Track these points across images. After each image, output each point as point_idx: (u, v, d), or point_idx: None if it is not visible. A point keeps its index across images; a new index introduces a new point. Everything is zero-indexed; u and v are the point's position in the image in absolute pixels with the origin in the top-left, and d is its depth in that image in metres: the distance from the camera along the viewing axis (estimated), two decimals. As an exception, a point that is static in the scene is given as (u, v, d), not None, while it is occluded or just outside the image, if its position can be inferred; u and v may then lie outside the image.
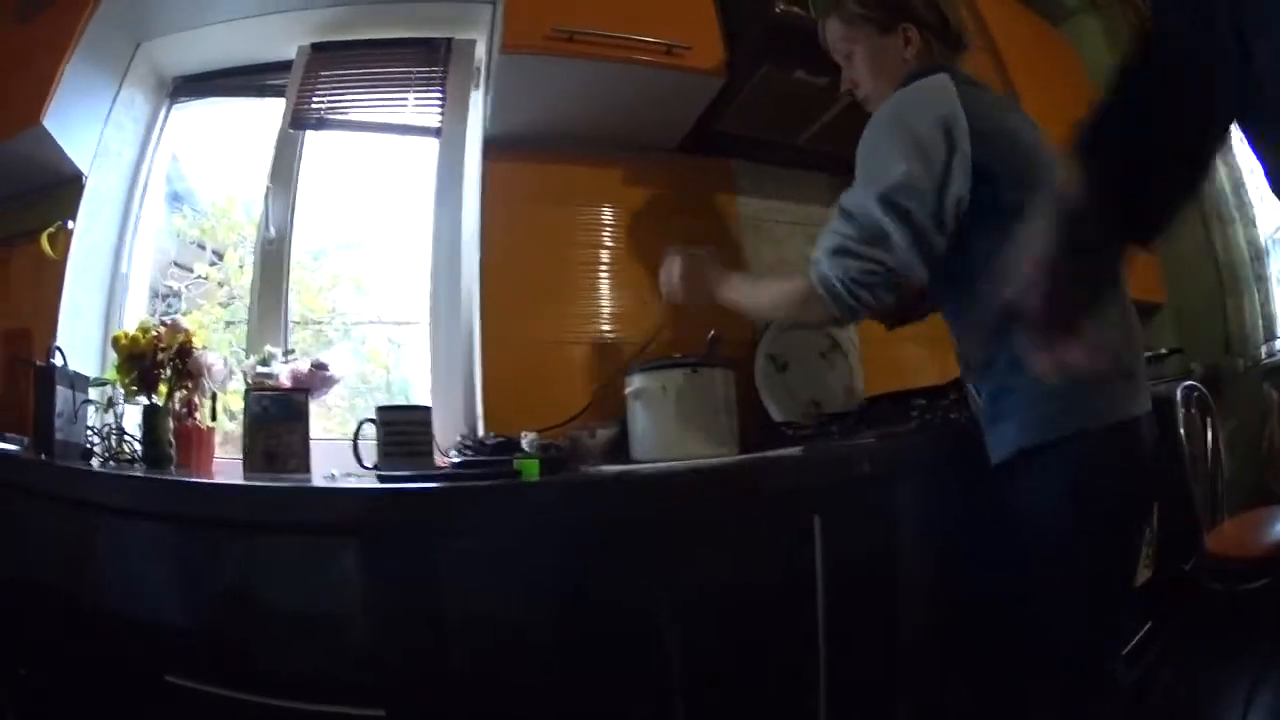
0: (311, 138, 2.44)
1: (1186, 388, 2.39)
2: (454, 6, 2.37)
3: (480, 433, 1.90)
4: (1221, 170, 3.13)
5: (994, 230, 1.22)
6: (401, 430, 1.50)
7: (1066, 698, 1.28)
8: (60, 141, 2.17)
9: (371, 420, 1.53)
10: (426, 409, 1.54)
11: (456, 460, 1.55)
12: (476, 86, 2.37)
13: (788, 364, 2.19)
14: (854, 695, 1.29)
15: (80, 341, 2.19)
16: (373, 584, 1.17)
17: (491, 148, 2.14)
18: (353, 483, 1.39)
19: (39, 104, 2.09)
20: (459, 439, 1.81)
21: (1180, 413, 2.32)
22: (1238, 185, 3.13)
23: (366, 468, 1.50)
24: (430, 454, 1.50)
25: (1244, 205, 3.11)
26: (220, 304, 2.62)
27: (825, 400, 2.19)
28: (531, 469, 1.34)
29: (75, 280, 2.21)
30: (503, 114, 2.07)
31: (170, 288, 2.65)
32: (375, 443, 1.53)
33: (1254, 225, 3.10)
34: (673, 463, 1.58)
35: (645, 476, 1.32)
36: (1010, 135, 1.32)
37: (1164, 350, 2.93)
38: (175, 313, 2.60)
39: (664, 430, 1.72)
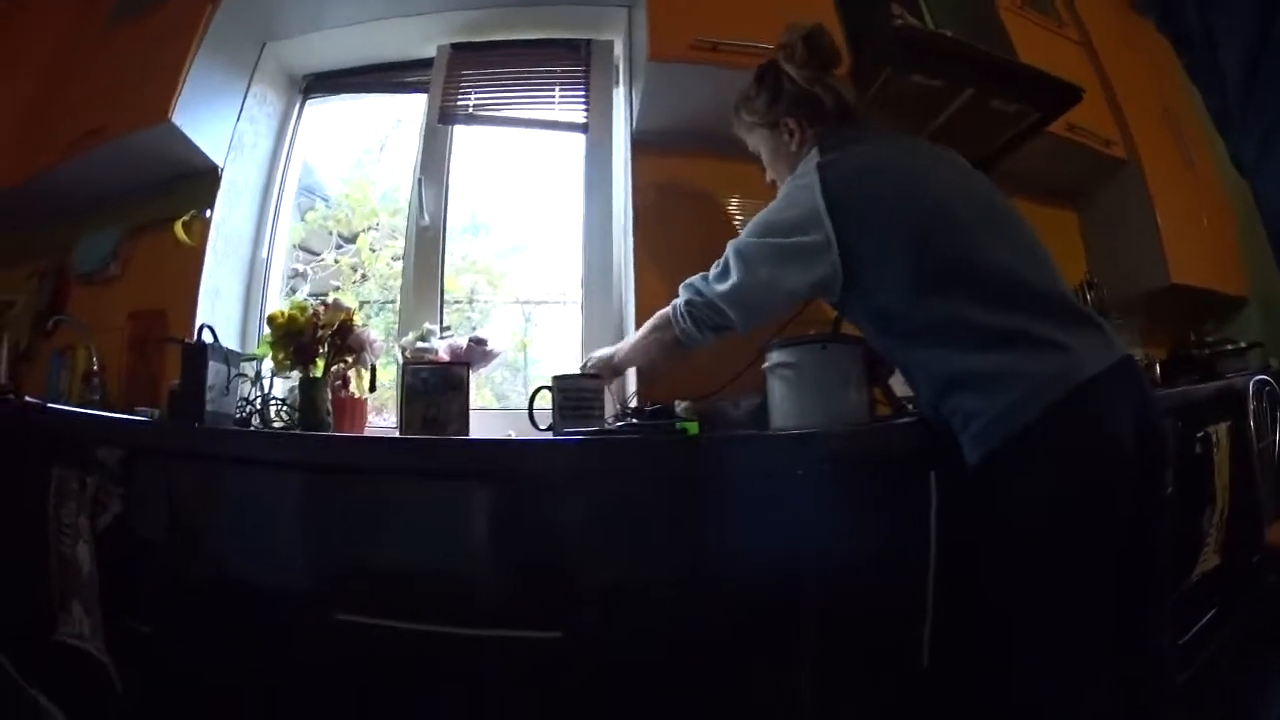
0: (461, 132, 2.60)
1: (1258, 381, 2.51)
2: (590, 10, 2.54)
3: (631, 394, 2.10)
4: None
5: (884, 291, 1.42)
6: (575, 396, 1.68)
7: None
8: (192, 136, 2.35)
9: (547, 387, 1.72)
10: (598, 377, 1.73)
11: (622, 425, 1.71)
12: (617, 84, 2.54)
13: None
14: (953, 629, 1.44)
15: (221, 321, 2.37)
16: (558, 524, 1.36)
17: (639, 144, 2.33)
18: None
19: (166, 102, 2.27)
20: (619, 407, 1.99)
21: (1251, 405, 2.45)
22: None
23: (542, 429, 1.69)
24: (602, 418, 1.68)
25: None
26: (353, 282, 2.81)
27: None
28: (693, 428, 1.57)
29: (214, 265, 2.41)
30: (649, 114, 2.25)
31: (296, 270, 2.86)
32: (550, 408, 1.71)
33: None
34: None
35: (790, 436, 1.49)
36: (878, 201, 1.45)
37: (1244, 344, 3.02)
38: (299, 296, 2.80)
39: (800, 402, 1.79)
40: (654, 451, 1.37)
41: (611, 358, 1.90)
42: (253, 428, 1.92)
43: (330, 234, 2.95)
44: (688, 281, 1.62)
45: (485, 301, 2.73)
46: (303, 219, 2.96)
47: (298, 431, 1.86)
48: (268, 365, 2.04)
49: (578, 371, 1.87)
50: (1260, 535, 2.37)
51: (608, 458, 1.36)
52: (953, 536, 1.44)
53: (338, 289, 2.80)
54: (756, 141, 1.77)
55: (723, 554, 1.32)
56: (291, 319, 1.99)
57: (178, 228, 2.33)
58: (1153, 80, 3.32)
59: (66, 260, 2.58)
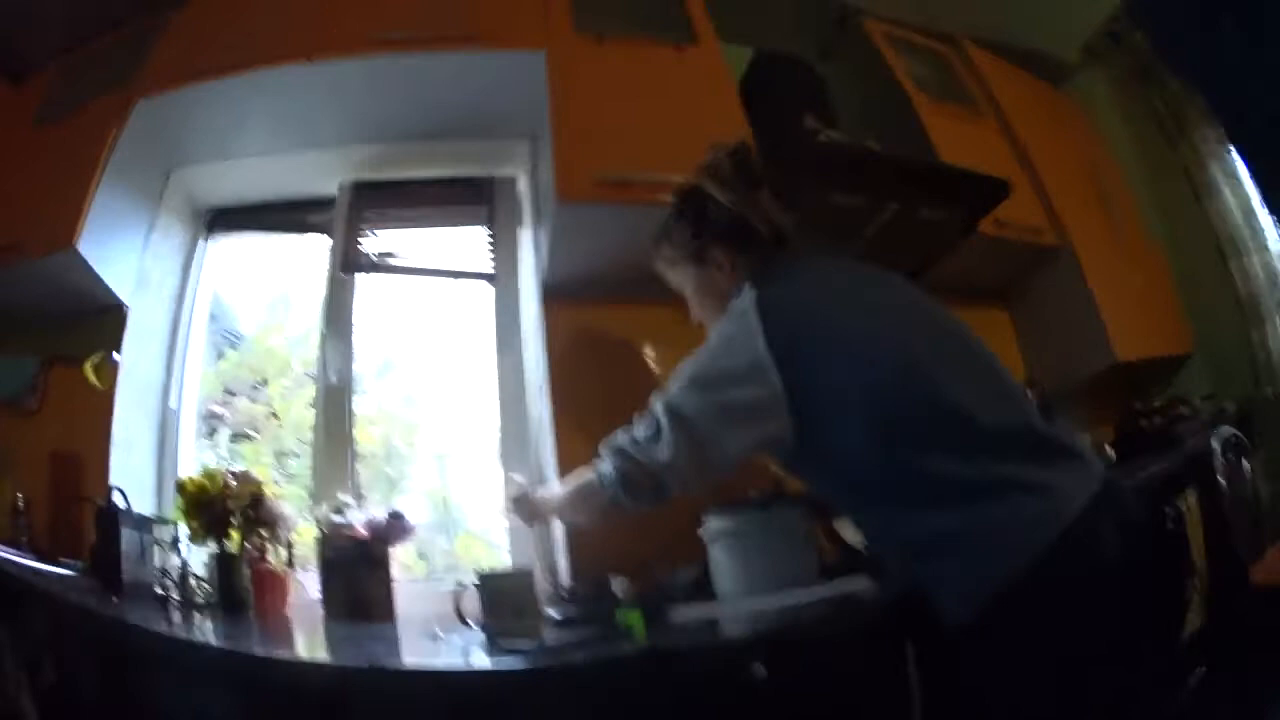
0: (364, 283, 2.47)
1: (1223, 438, 2.44)
2: (491, 144, 2.42)
3: (562, 572, 1.96)
4: (1230, 200, 3.16)
5: (842, 445, 1.25)
6: (507, 597, 1.51)
7: None
8: (96, 268, 2.17)
9: (475, 584, 1.54)
10: (529, 574, 1.57)
11: (558, 617, 1.58)
12: (522, 224, 2.42)
13: None
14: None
15: (133, 475, 2.19)
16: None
17: (549, 293, 2.18)
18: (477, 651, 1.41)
19: (71, 226, 2.09)
20: (552, 588, 1.89)
21: (1219, 462, 2.38)
22: (1248, 213, 3.12)
23: (472, 628, 1.51)
24: (537, 615, 1.52)
25: (1256, 232, 3.10)
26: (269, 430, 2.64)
27: None
28: (634, 619, 1.43)
29: (125, 413, 2.21)
30: (558, 260, 2.11)
31: (213, 411, 2.68)
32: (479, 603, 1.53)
33: (1267, 250, 3.08)
34: (757, 600, 1.62)
35: (747, 640, 1.36)
36: (830, 344, 1.29)
37: (1199, 398, 3.00)
38: (217, 440, 2.64)
39: (747, 570, 1.71)
40: (604, 676, 1.22)
41: (528, 497, 1.75)
42: (172, 604, 1.80)
43: (245, 377, 2.78)
44: (614, 444, 1.38)
45: (403, 457, 2.57)
46: (219, 359, 2.80)
47: (226, 648, 1.56)
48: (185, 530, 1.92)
49: (501, 570, 1.75)
50: (1244, 583, 2.24)
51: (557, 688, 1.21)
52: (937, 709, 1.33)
53: (254, 436, 2.64)
54: (680, 278, 1.58)
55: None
56: (201, 488, 1.89)
57: (87, 369, 2.17)
58: (1071, 149, 3.30)
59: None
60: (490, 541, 2.43)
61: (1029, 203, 2.88)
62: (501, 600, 1.47)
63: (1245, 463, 2.47)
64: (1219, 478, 2.38)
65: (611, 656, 1.24)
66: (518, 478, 1.88)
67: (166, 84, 2.25)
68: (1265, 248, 3.09)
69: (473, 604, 1.51)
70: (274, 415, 2.63)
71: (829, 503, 1.47)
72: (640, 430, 1.35)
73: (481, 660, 1.33)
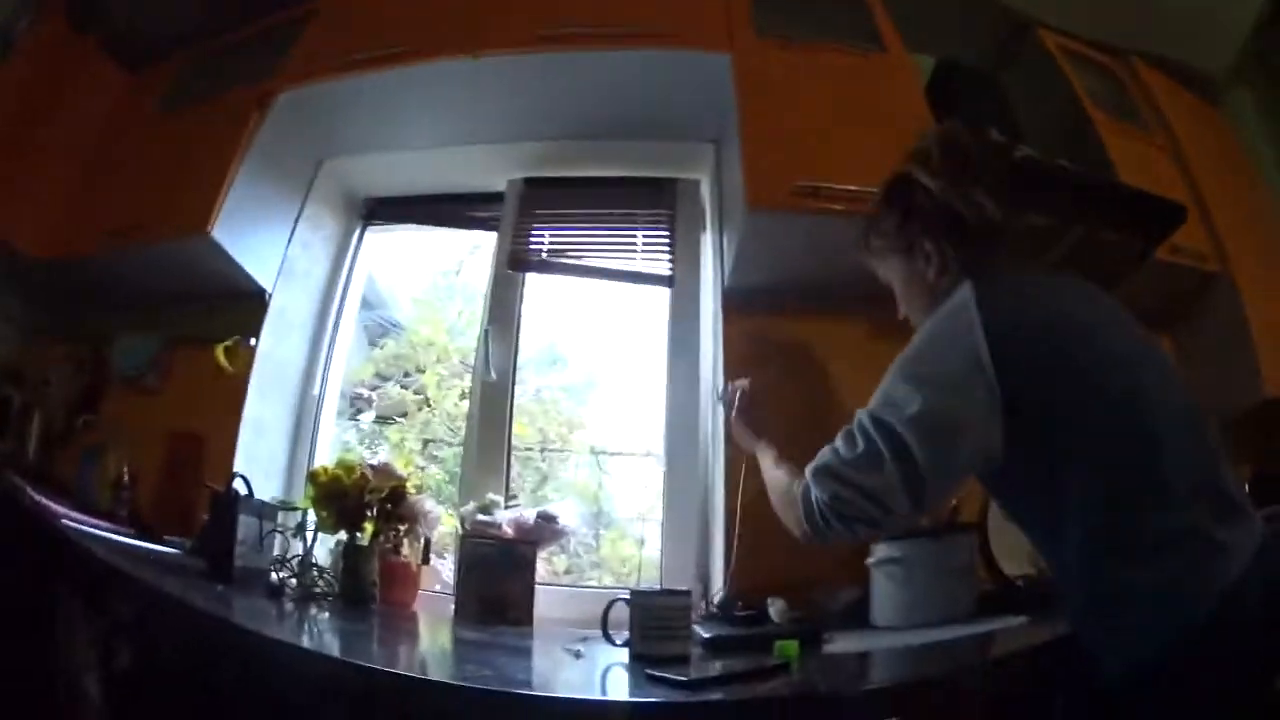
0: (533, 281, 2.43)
1: None
2: (673, 146, 2.36)
3: (719, 587, 1.90)
4: None
5: (1040, 468, 1.15)
6: (658, 616, 1.43)
7: None
8: (235, 255, 2.19)
9: (624, 600, 1.48)
10: (686, 595, 1.48)
11: (707, 636, 1.54)
12: (704, 229, 2.36)
13: None
14: None
15: (264, 458, 2.22)
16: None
17: (730, 300, 2.11)
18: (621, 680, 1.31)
19: (206, 213, 2.09)
20: (705, 606, 1.85)
21: None
22: None
23: (617, 644, 1.45)
24: (689, 639, 1.45)
25: None
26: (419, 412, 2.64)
27: None
28: (791, 650, 1.35)
29: (258, 397, 2.23)
30: (745, 268, 2.06)
31: (360, 394, 2.72)
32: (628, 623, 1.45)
33: None
34: (914, 631, 1.59)
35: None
36: (1052, 356, 1.17)
37: None
38: (361, 421, 2.67)
39: (909, 600, 1.69)
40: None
41: (748, 436, 1.75)
42: (288, 593, 1.79)
43: (399, 365, 2.80)
44: (824, 466, 1.25)
45: (558, 450, 2.54)
46: (374, 346, 2.82)
47: (336, 656, 1.40)
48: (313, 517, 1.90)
49: (657, 590, 1.72)
50: None
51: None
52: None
53: (399, 421, 2.65)
54: (887, 271, 1.48)
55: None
56: (335, 479, 1.87)
57: (219, 353, 2.19)
58: (1230, 170, 3.07)
59: (104, 354, 2.42)
60: (640, 540, 2.40)
61: (1194, 228, 2.64)
62: (653, 620, 1.40)
63: None
64: None
65: (759, 697, 1.13)
66: (742, 383, 1.84)
67: (314, 75, 2.26)
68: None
69: (621, 617, 1.46)
70: (427, 403, 2.63)
71: (1021, 525, 1.31)
72: (848, 450, 1.23)
73: (620, 690, 1.25)
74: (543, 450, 2.54)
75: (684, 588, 1.62)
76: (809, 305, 2.09)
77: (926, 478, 1.15)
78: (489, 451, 2.24)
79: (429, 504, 1.96)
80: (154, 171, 2.33)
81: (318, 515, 1.85)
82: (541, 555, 1.96)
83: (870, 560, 1.75)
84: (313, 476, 1.88)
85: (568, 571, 2.39)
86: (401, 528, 1.90)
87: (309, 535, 1.88)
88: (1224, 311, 2.74)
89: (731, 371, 2.00)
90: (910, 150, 1.40)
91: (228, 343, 2.20)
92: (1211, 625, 1.04)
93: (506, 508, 2.02)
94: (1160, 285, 2.62)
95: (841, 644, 1.54)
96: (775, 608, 1.68)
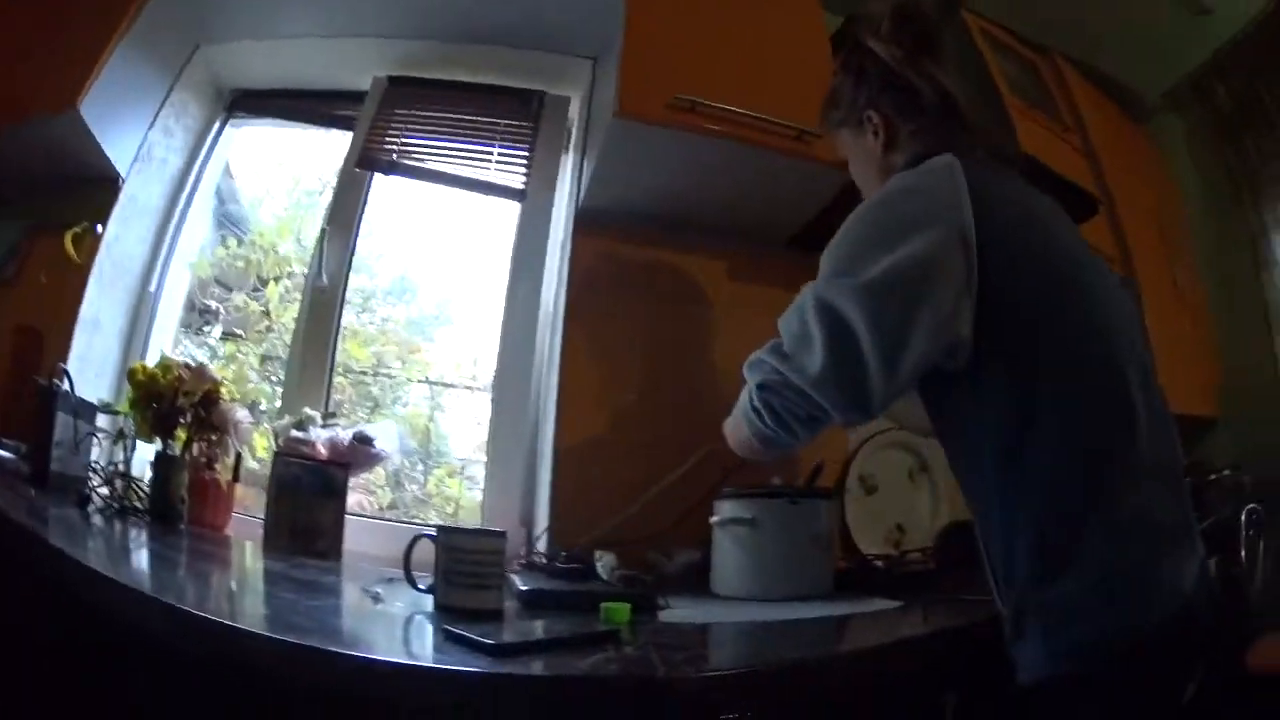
0: (379, 178, 2.20)
1: (1249, 510, 2.15)
2: (551, 58, 2.16)
3: (541, 533, 1.69)
4: None
5: (1007, 375, 0.95)
6: (469, 560, 1.17)
7: None
8: (97, 135, 1.95)
9: (430, 536, 1.22)
10: (500, 536, 1.22)
11: (525, 589, 1.28)
12: (567, 150, 2.16)
13: (877, 486, 1.99)
14: None
15: (97, 358, 2.00)
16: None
17: (583, 221, 1.91)
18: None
19: (77, 87, 1.87)
20: (525, 554, 1.61)
21: (1242, 535, 2.11)
22: None
23: (420, 589, 1.20)
24: (501, 588, 1.19)
25: None
26: (258, 333, 2.43)
27: (910, 526, 1.98)
28: (620, 615, 1.11)
29: (99, 291, 2.00)
30: (604, 185, 1.83)
31: (208, 306, 2.47)
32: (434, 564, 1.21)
33: None
34: (762, 605, 1.39)
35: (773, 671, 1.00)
36: (1040, 231, 1.03)
37: (1226, 470, 2.61)
38: (208, 335, 2.44)
39: (756, 568, 1.49)
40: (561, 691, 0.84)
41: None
42: (94, 505, 1.55)
43: (247, 273, 2.52)
44: (754, 358, 1.06)
45: (392, 377, 2.29)
46: (219, 246, 2.55)
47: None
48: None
49: (468, 527, 1.43)
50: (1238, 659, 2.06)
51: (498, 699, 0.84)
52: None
53: (242, 336, 2.38)
54: (841, 147, 1.30)
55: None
56: (152, 378, 1.68)
57: (68, 240, 1.95)
58: (1144, 185, 3.04)
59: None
60: (470, 480, 2.22)
61: (1102, 231, 2.62)
62: (460, 564, 1.15)
63: (1261, 541, 2.22)
64: (1241, 550, 2.12)
65: (580, 675, 0.86)
66: None
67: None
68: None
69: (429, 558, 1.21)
70: (267, 315, 2.36)
71: (961, 480, 1.08)
72: (782, 333, 1.02)
73: (415, 647, 1.01)
74: (376, 375, 2.29)
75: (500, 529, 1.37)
76: (667, 234, 1.93)
77: (871, 367, 0.92)
78: (313, 366, 2.00)
79: (241, 412, 1.76)
80: (32, 47, 2.05)
81: (134, 419, 1.67)
82: (364, 488, 1.83)
83: (715, 519, 1.54)
84: (131, 375, 1.69)
85: (391, 507, 2.22)
86: (213, 437, 1.72)
87: (127, 443, 1.71)
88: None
89: (576, 292, 1.82)
90: (862, 16, 1.22)
91: (77, 229, 1.97)
92: (1164, 635, 0.91)
93: (324, 426, 1.80)
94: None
95: (680, 612, 1.29)
96: (603, 563, 1.42)
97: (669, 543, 1.59)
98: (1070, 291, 0.99)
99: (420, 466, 2.25)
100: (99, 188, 2.04)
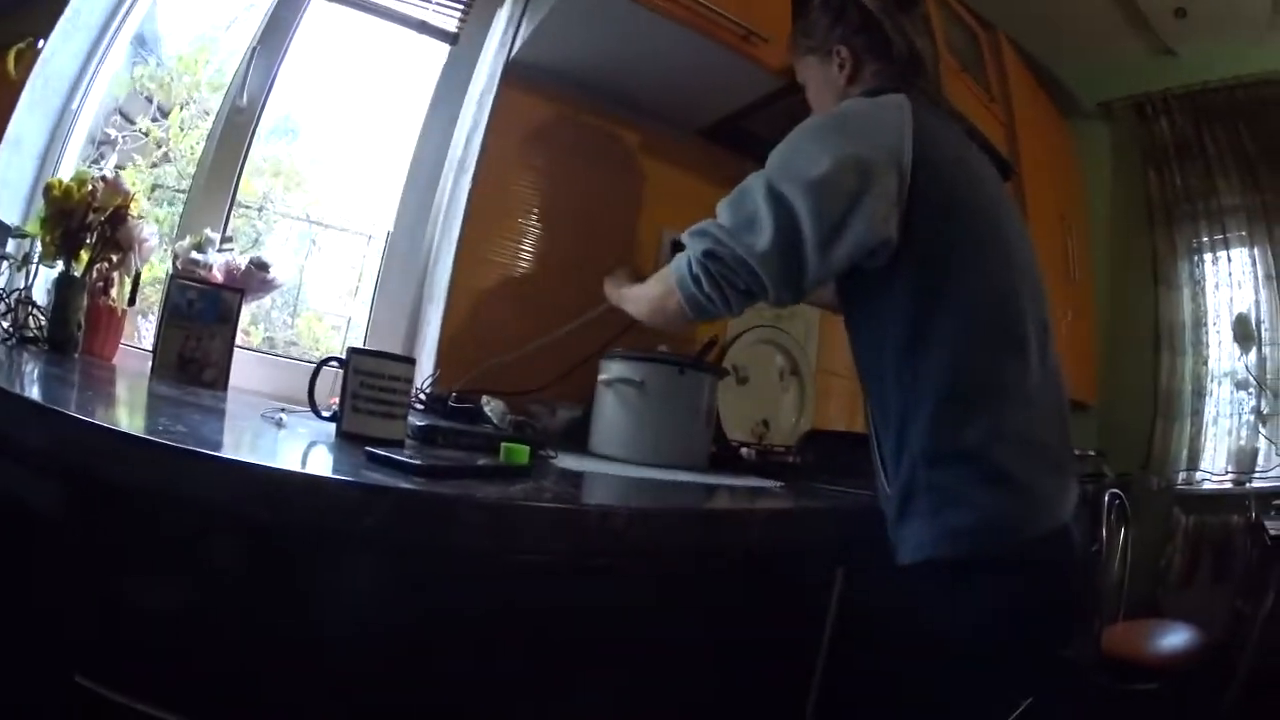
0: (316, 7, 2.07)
1: (1111, 494, 2.42)
2: None
3: (430, 375, 1.65)
4: (1186, 304, 3.22)
5: (919, 278, 1.06)
6: (377, 384, 1.12)
7: None
8: None
9: (336, 360, 1.17)
10: (411, 363, 1.19)
11: (421, 424, 1.24)
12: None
13: (748, 378, 2.00)
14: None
15: (15, 180, 1.87)
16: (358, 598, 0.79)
17: (513, 73, 1.84)
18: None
19: None
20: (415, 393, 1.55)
21: (1104, 517, 2.37)
22: (1198, 324, 3.18)
23: (324, 416, 1.16)
24: (405, 419, 1.14)
25: (1199, 344, 3.17)
26: (152, 164, 2.25)
27: (775, 424, 2.04)
28: (521, 455, 1.07)
29: (27, 109, 1.87)
30: (540, 41, 1.77)
31: (108, 135, 2.27)
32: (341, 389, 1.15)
33: (1205, 364, 3.14)
34: (640, 465, 1.41)
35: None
36: (968, 174, 1.14)
37: (1090, 451, 2.89)
38: (104, 166, 2.26)
39: (637, 429, 1.50)
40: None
41: (612, 284, 1.49)
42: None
43: (150, 101, 2.37)
44: (699, 228, 1.11)
45: (274, 211, 2.20)
46: (135, 65, 2.40)
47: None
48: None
49: (382, 351, 1.30)
50: (1095, 638, 2.23)
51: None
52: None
53: (136, 165, 2.25)
54: (804, 71, 1.37)
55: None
56: (67, 192, 1.59)
57: (10, 57, 1.81)
58: (1056, 183, 3.19)
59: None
60: (337, 327, 2.16)
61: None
62: (370, 388, 1.10)
63: (1124, 530, 2.44)
64: (1101, 530, 2.35)
65: (515, 502, 0.83)
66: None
67: None
68: (1203, 361, 3.15)
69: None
70: (160, 146, 2.24)
71: (863, 363, 1.17)
72: (732, 214, 1.09)
73: (344, 469, 0.86)
74: (261, 210, 2.19)
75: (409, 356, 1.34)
76: (589, 99, 1.92)
77: (808, 251, 1.03)
78: (217, 190, 1.91)
79: (148, 230, 1.67)
80: None
81: (42, 240, 1.59)
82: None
83: (602, 377, 1.54)
84: (47, 190, 1.60)
85: (262, 344, 2.12)
86: (115, 258, 1.64)
87: (31, 269, 1.64)
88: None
89: (492, 140, 1.79)
90: None
91: (21, 45, 1.82)
92: (1044, 543, 1.02)
93: (220, 250, 1.72)
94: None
95: (568, 462, 1.28)
96: (492, 408, 1.40)
97: (552, 398, 1.60)
98: (989, 233, 1.11)
99: (291, 308, 2.18)
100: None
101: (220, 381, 1.57)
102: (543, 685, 0.85)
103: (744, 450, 1.73)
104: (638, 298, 1.33)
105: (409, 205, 1.98)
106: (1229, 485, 3.00)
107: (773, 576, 1.09)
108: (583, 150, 1.92)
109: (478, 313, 1.70)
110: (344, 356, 1.14)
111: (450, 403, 1.45)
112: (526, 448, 1.08)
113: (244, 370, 1.68)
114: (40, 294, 1.66)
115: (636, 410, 1.50)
